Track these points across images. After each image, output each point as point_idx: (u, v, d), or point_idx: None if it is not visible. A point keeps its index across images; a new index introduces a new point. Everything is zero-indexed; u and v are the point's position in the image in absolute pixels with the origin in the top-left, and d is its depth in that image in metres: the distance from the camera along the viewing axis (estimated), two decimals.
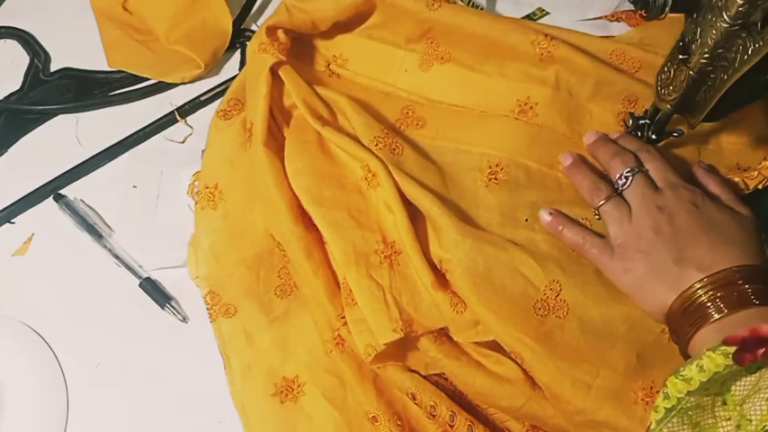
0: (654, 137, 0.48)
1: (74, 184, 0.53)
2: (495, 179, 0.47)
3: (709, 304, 0.36)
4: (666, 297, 0.38)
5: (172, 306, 0.47)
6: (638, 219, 0.41)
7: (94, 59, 0.58)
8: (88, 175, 0.54)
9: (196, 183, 0.51)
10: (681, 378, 0.33)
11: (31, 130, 0.56)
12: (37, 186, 0.53)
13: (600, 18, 0.58)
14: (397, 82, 0.54)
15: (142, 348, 0.46)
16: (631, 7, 0.55)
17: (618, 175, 0.44)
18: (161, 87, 0.57)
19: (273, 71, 0.49)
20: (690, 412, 0.34)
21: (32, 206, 0.52)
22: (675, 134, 0.48)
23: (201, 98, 0.56)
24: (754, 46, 0.36)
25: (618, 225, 0.42)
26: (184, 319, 0.47)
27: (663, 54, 0.44)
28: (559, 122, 0.50)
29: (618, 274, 0.41)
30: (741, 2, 0.34)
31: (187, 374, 0.45)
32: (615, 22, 0.58)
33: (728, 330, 0.34)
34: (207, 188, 0.49)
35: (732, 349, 0.32)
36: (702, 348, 0.35)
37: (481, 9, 0.59)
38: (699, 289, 0.37)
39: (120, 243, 0.50)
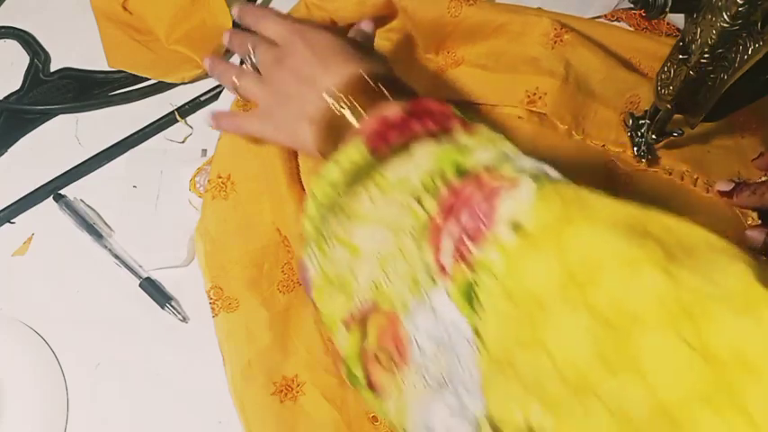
0: (654, 137, 0.48)
1: (74, 184, 0.53)
2: None
3: (347, 114, 0.37)
4: (308, 130, 0.39)
5: (172, 306, 0.47)
6: (266, 79, 0.43)
7: (94, 59, 0.58)
8: (88, 175, 0.54)
9: (197, 177, 0.51)
10: (326, 181, 0.34)
11: (31, 130, 0.56)
12: (37, 186, 0.53)
13: (599, 17, 0.58)
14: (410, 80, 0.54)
15: (142, 348, 0.46)
16: (631, 6, 0.55)
17: (245, 58, 0.45)
18: (161, 87, 0.57)
19: None
20: (343, 205, 0.35)
21: (32, 206, 0.52)
22: (675, 134, 0.48)
23: (201, 98, 0.56)
24: (754, 46, 0.36)
25: (256, 94, 0.44)
26: (184, 319, 0.47)
27: None
28: (565, 114, 0.51)
29: (273, 134, 0.43)
30: (741, 2, 0.34)
31: (187, 374, 0.45)
32: (615, 22, 0.58)
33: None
34: (219, 178, 0.49)
35: (364, 142, 0.33)
36: None
37: None
38: (330, 102, 0.38)
39: (120, 243, 0.50)
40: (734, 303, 0.21)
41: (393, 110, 0.34)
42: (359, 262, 0.33)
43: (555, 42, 0.51)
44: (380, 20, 0.53)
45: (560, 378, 0.24)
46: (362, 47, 0.43)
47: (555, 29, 0.51)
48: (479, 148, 0.31)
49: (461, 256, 0.27)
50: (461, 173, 0.30)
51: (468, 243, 0.27)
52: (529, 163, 0.29)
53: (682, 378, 0.21)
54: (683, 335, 0.22)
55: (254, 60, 0.44)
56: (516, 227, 0.26)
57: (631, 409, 0.22)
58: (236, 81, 0.45)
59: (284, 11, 0.52)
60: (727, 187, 0.48)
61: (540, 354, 0.25)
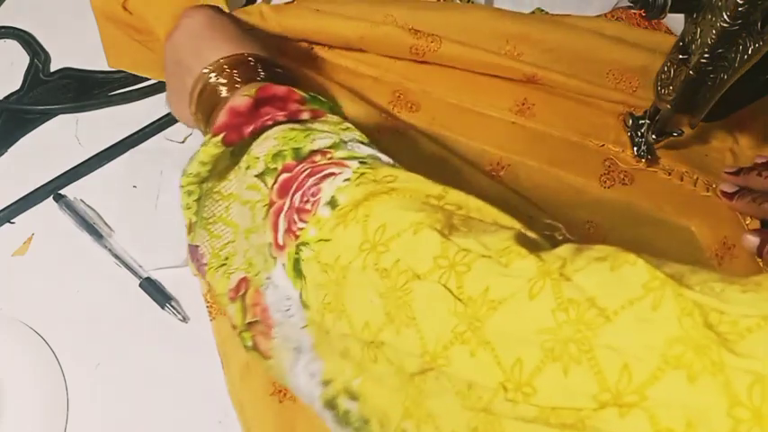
0: (654, 137, 0.48)
1: (74, 184, 0.53)
2: (498, 176, 0.47)
3: (221, 86, 0.38)
4: (187, 106, 0.41)
5: (172, 306, 0.47)
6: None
7: (94, 59, 0.58)
8: (88, 175, 0.54)
9: None
10: (190, 175, 0.37)
11: (31, 130, 0.56)
12: (37, 186, 0.53)
13: (599, 16, 0.58)
14: (389, 66, 0.53)
15: (142, 348, 0.46)
16: (631, 5, 0.55)
17: None
18: (161, 87, 0.57)
19: None
20: (215, 189, 0.38)
21: (32, 206, 0.52)
22: (675, 134, 0.48)
23: None
24: (754, 46, 0.36)
25: None
26: (184, 319, 0.47)
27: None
28: (558, 123, 0.51)
29: (173, 111, 0.45)
30: (741, 2, 0.34)
31: (187, 374, 0.45)
32: (615, 21, 0.58)
33: None
34: None
35: (220, 137, 0.35)
36: None
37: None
38: (208, 74, 0.38)
39: (120, 243, 0.50)
40: (492, 258, 0.25)
41: (242, 100, 0.35)
42: (238, 238, 0.36)
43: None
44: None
45: (358, 339, 0.27)
46: (239, 27, 0.44)
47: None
48: (320, 134, 0.33)
49: (291, 232, 0.30)
50: (299, 155, 0.32)
51: (297, 220, 0.30)
52: (365, 150, 0.32)
53: (443, 322, 0.25)
54: (448, 285, 0.25)
55: None
56: (333, 204, 0.30)
57: (406, 360, 0.26)
58: None
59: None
60: (730, 189, 0.48)
61: (342, 318, 0.28)
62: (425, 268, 0.26)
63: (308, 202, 0.30)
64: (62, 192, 0.52)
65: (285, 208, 0.32)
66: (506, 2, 0.59)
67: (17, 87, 0.58)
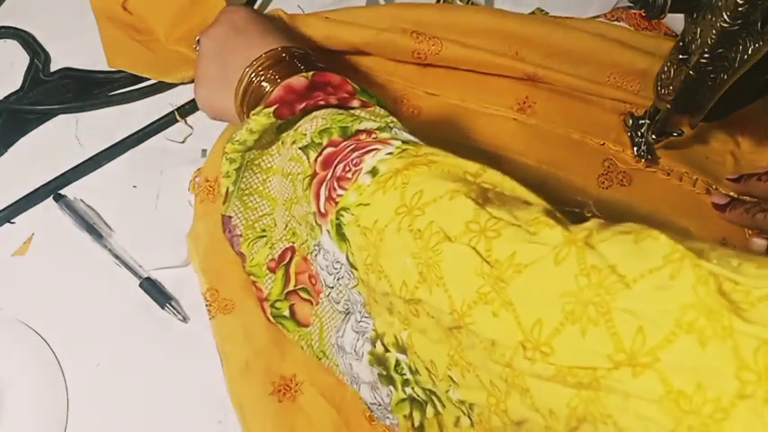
0: (654, 137, 0.48)
1: (74, 184, 0.53)
2: None
3: (263, 83, 0.40)
4: (230, 101, 0.42)
5: (172, 306, 0.47)
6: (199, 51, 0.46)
7: (94, 59, 0.58)
8: (88, 175, 0.54)
9: (197, 179, 0.51)
10: (237, 142, 0.38)
11: (31, 130, 0.56)
12: (37, 186, 0.53)
13: (599, 16, 0.58)
14: (394, 71, 0.54)
15: (142, 348, 0.46)
16: (631, 5, 0.55)
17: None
18: (161, 87, 0.57)
19: None
20: (256, 161, 0.40)
21: (32, 206, 0.52)
22: (675, 134, 0.48)
23: None
24: (754, 46, 0.36)
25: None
26: (184, 319, 0.47)
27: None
28: (559, 121, 0.50)
29: (201, 100, 0.46)
30: (741, 2, 0.34)
31: (187, 374, 0.45)
32: (615, 21, 0.58)
33: None
34: (207, 181, 0.49)
35: (272, 108, 0.36)
36: None
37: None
38: (249, 74, 0.40)
39: (120, 243, 0.50)
40: (522, 227, 0.26)
41: (298, 79, 0.37)
42: (278, 210, 0.38)
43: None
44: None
45: (398, 297, 0.29)
46: (279, 26, 0.45)
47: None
48: (367, 119, 0.35)
49: (332, 199, 0.32)
50: (345, 133, 0.34)
51: (337, 188, 0.32)
52: (408, 136, 0.34)
53: (470, 282, 0.26)
54: (477, 247, 0.26)
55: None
56: (374, 173, 0.31)
57: (442, 318, 0.27)
58: None
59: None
60: (721, 200, 0.48)
61: (382, 278, 0.29)
62: (457, 231, 0.27)
63: (349, 171, 0.32)
64: (62, 192, 0.52)
65: (327, 178, 0.33)
66: (507, 2, 0.59)
67: (17, 87, 0.58)
